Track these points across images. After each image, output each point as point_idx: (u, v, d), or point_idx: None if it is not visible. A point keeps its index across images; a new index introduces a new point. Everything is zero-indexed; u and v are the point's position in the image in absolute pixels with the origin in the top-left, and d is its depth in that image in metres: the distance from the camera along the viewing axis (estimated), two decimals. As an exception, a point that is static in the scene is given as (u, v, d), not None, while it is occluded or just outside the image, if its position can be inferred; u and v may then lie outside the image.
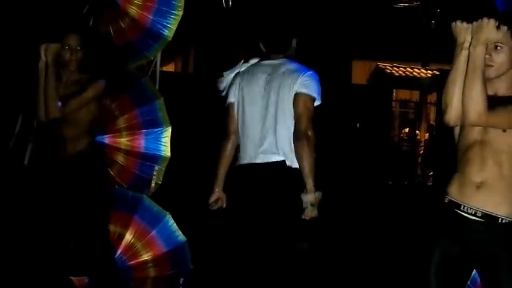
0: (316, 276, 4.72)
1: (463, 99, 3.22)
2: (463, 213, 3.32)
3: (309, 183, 4.30)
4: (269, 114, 4.42)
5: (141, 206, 5.39)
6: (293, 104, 4.38)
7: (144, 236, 5.37)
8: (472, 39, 3.25)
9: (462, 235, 3.33)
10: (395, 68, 19.04)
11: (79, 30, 4.97)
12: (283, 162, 4.38)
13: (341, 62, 17.52)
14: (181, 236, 5.43)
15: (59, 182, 4.84)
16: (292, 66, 4.48)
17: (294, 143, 4.35)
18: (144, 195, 5.45)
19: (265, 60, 4.59)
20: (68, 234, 4.85)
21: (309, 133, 4.33)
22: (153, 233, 5.39)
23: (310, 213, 4.33)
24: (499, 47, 3.30)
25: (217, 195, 4.63)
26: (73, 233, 4.82)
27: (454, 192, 3.38)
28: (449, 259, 3.38)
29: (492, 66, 3.31)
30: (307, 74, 4.42)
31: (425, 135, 18.66)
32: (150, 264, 5.40)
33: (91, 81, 4.82)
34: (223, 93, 4.69)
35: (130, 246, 5.35)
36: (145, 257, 5.39)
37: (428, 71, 18.91)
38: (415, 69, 19.09)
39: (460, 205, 3.33)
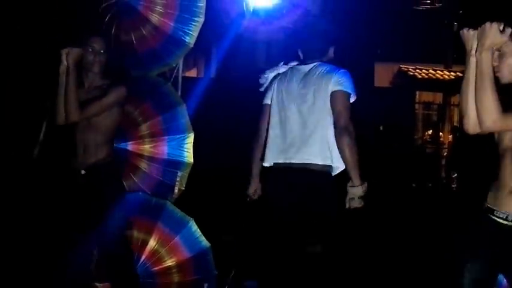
0: (338, 277, 4.71)
1: (476, 108, 3.21)
2: (495, 218, 3.31)
3: (355, 176, 4.44)
4: (307, 116, 4.52)
5: (165, 212, 5.40)
6: (330, 102, 4.48)
7: (168, 242, 5.38)
8: (477, 45, 3.23)
9: (494, 240, 3.33)
10: (418, 70, 18.97)
11: (102, 35, 5.02)
12: (321, 165, 4.48)
13: (364, 65, 17.47)
14: (204, 242, 5.43)
15: (78, 189, 4.88)
16: (325, 67, 4.61)
17: (336, 138, 4.44)
18: (168, 201, 5.45)
19: (301, 64, 4.73)
20: (90, 241, 4.88)
21: (350, 128, 4.44)
22: (177, 238, 5.39)
23: (356, 204, 4.47)
24: (501, 54, 3.28)
25: (255, 186, 4.82)
26: (95, 240, 4.86)
27: (490, 199, 3.38)
28: (478, 280, 3.38)
29: (499, 73, 3.29)
30: (340, 72, 4.56)
31: (448, 137, 18.56)
32: (174, 270, 5.40)
33: (112, 87, 4.86)
34: (262, 91, 4.86)
35: (154, 252, 5.35)
36: (169, 262, 5.39)
37: (452, 73, 18.82)
38: (438, 71, 19.01)
39: (494, 210, 3.33)
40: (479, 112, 3.20)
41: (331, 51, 4.72)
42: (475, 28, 3.26)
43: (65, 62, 4.71)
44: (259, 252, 4.81)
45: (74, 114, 4.67)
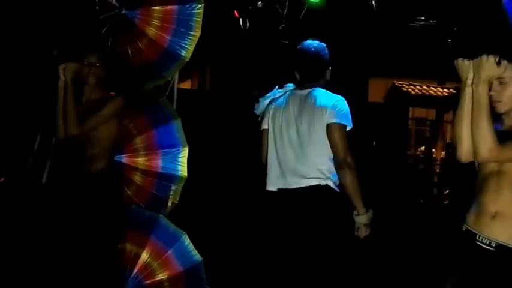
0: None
1: (473, 137, 3.22)
2: (478, 243, 3.32)
3: (359, 205, 4.53)
4: (303, 144, 4.50)
5: (158, 225, 5.40)
6: (327, 134, 4.49)
7: (161, 256, 5.37)
8: (474, 77, 3.25)
9: (476, 264, 3.33)
10: (411, 86, 19.02)
11: (98, 48, 5.03)
12: (319, 185, 4.46)
13: (357, 80, 17.51)
14: (197, 256, 5.44)
15: (76, 201, 4.87)
16: (321, 95, 4.60)
17: (337, 172, 4.49)
18: (161, 215, 5.45)
19: (297, 89, 4.73)
20: (82, 252, 4.88)
21: (348, 160, 4.49)
22: (169, 252, 5.39)
23: (363, 232, 4.58)
24: (503, 82, 3.30)
25: None
26: (85, 251, 4.85)
27: (471, 221, 3.38)
28: None
29: (500, 101, 3.31)
30: (336, 102, 4.54)
31: (441, 154, 18.60)
32: (166, 284, 5.40)
33: (110, 98, 4.87)
34: (259, 119, 4.86)
35: (146, 266, 5.35)
36: (161, 276, 5.39)
37: (445, 89, 18.87)
38: (432, 88, 19.06)
39: (476, 234, 3.33)
40: (475, 142, 3.21)
41: (328, 74, 4.73)
42: (470, 58, 3.28)
43: (62, 77, 4.73)
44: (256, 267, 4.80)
45: (73, 128, 4.69)
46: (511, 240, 3.26)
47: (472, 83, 3.24)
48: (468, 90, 3.27)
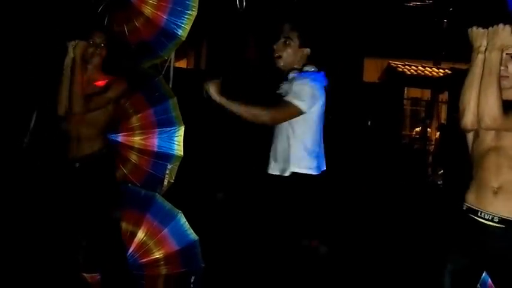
0: (324, 275, 4.74)
1: (479, 103, 3.24)
2: (480, 219, 3.34)
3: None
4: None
5: (154, 204, 5.41)
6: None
7: (156, 234, 5.39)
8: (487, 44, 3.27)
9: (479, 241, 3.36)
10: (407, 67, 19.00)
11: (104, 29, 5.03)
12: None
13: (353, 60, 17.52)
14: (192, 235, 5.45)
15: (71, 181, 4.89)
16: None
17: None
18: (157, 194, 5.46)
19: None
20: (79, 232, 4.90)
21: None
22: (165, 231, 5.41)
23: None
24: None
25: None
26: (85, 231, 4.87)
27: (471, 199, 3.40)
28: (460, 273, 3.41)
29: (508, 77, 3.33)
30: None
31: (436, 134, 18.63)
32: (161, 262, 5.42)
33: (114, 81, 4.87)
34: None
35: (142, 244, 5.37)
36: (157, 255, 5.42)
37: (440, 70, 18.87)
38: (427, 68, 19.05)
39: (478, 211, 3.35)
40: (481, 108, 3.22)
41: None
42: (484, 27, 3.30)
43: (71, 54, 4.72)
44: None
45: (78, 106, 4.68)
46: None
47: (486, 50, 3.26)
48: (480, 57, 3.28)
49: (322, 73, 4.39)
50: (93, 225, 4.82)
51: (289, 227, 4.32)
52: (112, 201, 4.92)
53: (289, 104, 4.20)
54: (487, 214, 3.32)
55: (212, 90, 4.07)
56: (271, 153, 4.40)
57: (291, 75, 4.35)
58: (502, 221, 3.30)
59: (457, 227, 3.48)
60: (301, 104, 4.20)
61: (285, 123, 4.29)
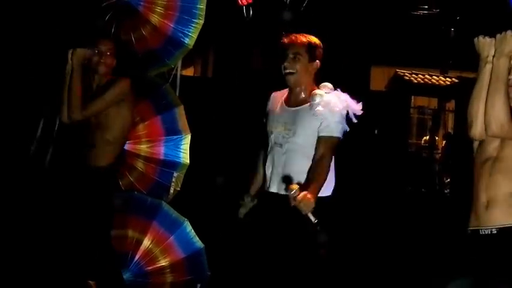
0: (331, 282, 4.72)
1: (486, 110, 3.23)
2: (481, 235, 3.35)
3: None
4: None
5: (160, 212, 5.42)
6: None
7: (162, 242, 5.40)
8: (495, 51, 3.27)
9: (482, 255, 3.36)
10: (413, 75, 18.99)
11: (110, 38, 5.04)
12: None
13: (360, 68, 17.50)
14: (198, 243, 5.46)
15: (76, 190, 4.90)
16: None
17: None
18: (163, 202, 5.47)
19: None
20: (84, 239, 4.91)
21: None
22: (171, 239, 5.42)
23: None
24: None
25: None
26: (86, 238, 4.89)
27: (472, 220, 3.41)
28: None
29: None
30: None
31: (442, 142, 18.60)
32: (167, 270, 5.42)
33: (114, 82, 4.87)
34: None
35: (148, 252, 5.38)
36: (163, 262, 5.42)
37: (447, 79, 18.85)
38: (434, 77, 19.04)
39: (478, 230, 3.36)
40: (488, 115, 3.21)
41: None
42: (490, 36, 3.30)
43: (69, 62, 4.74)
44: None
45: (77, 113, 4.69)
46: (508, 220, 3.30)
47: (493, 57, 3.25)
48: (488, 67, 3.27)
49: (347, 96, 4.44)
50: (88, 233, 4.84)
51: (298, 240, 4.31)
52: (103, 218, 4.92)
53: (332, 139, 4.29)
54: (486, 229, 3.33)
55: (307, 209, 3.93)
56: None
57: (317, 100, 4.27)
58: (499, 230, 3.30)
59: (462, 249, 3.49)
60: (339, 135, 4.34)
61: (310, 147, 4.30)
